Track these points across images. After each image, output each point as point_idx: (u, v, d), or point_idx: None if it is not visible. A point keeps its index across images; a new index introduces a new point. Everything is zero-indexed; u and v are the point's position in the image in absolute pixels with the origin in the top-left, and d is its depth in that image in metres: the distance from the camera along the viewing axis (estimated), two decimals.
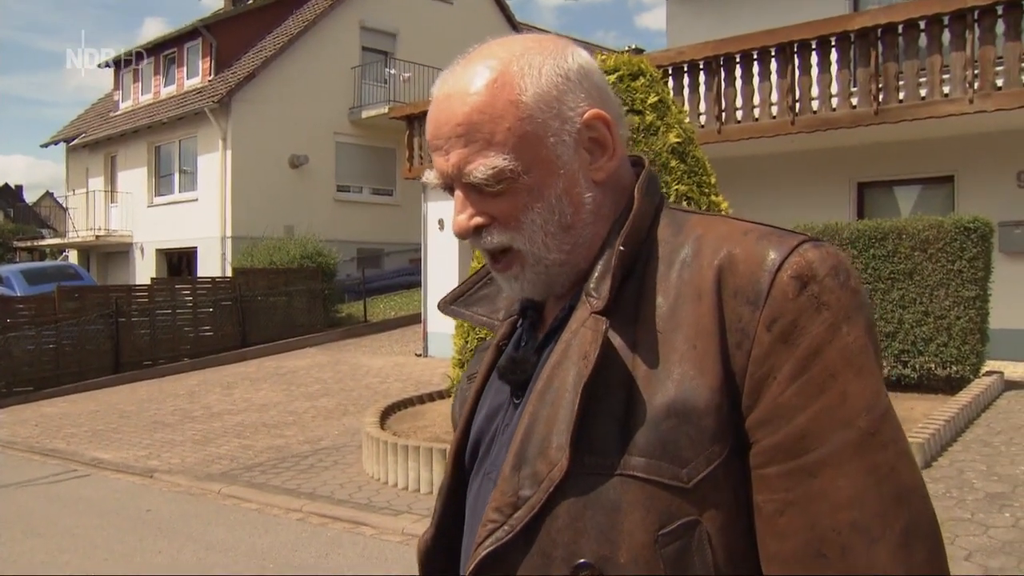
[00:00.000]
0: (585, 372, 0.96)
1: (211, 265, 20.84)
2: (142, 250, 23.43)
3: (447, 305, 1.26)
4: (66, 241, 26.18)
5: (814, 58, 10.03)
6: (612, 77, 6.08)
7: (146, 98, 24.53)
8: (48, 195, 64.96)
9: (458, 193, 1.06)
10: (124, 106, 25.46)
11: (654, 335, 0.97)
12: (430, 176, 1.08)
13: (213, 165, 21.08)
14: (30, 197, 73.41)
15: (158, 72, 24.22)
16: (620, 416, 0.96)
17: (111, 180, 25.08)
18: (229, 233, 20.67)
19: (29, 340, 14.56)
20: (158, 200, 23.39)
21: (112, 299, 15.55)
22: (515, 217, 1.04)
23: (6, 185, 72.63)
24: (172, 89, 23.54)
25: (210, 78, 22.13)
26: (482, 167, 1.00)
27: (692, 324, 0.96)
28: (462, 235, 1.07)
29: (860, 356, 0.92)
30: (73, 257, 26.54)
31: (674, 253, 1.02)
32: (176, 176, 22.98)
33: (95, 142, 25.22)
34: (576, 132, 1.03)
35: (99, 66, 24.96)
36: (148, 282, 17.83)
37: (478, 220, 1.05)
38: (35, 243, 28.94)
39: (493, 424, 1.11)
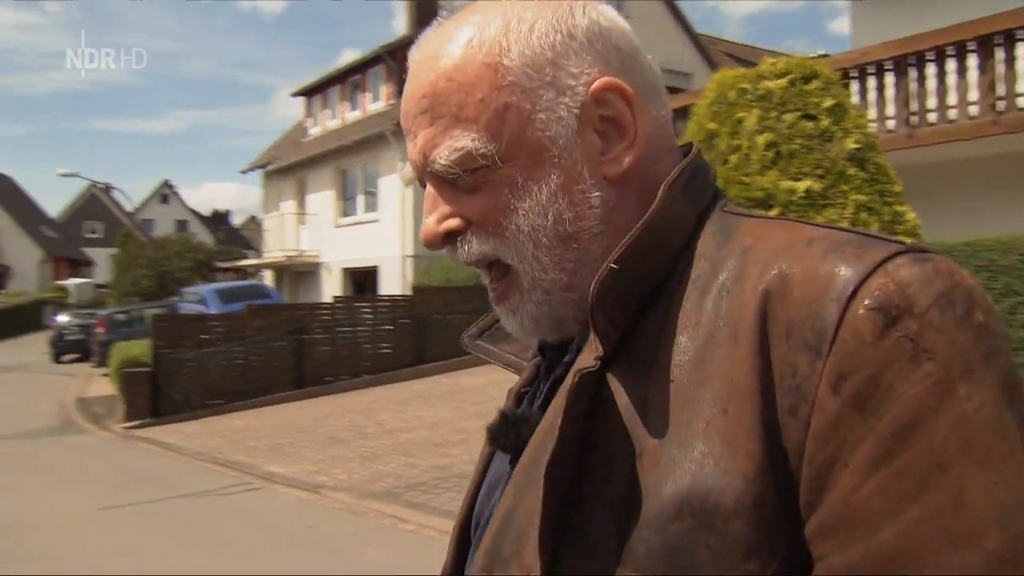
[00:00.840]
0: (550, 449, 0.66)
1: (392, 283, 21.40)
2: (329, 269, 24.45)
3: (472, 340, 0.98)
4: (262, 261, 27.76)
5: (1021, 50, 8.97)
6: (783, 81, 5.59)
7: (333, 124, 25.67)
8: (252, 219, 69.85)
9: (428, 189, 0.78)
10: (313, 132, 26.76)
11: (670, 392, 0.66)
12: (407, 171, 0.81)
13: (393, 186, 21.69)
14: (237, 221, 79.19)
15: (344, 99, 25.30)
16: (619, 507, 0.65)
17: (301, 203, 26.38)
18: (408, 252, 21.18)
19: (221, 356, 15.33)
20: (343, 221, 24.34)
21: (296, 317, 16.18)
22: (494, 220, 0.75)
23: (216, 211, 78.81)
24: (357, 114, 24.50)
25: (392, 102, 22.85)
26: (445, 150, 0.74)
27: (725, 378, 0.64)
28: (430, 243, 0.78)
29: (988, 434, 0.58)
30: (268, 276, 28.10)
31: (713, 274, 0.70)
32: (359, 198, 23.85)
33: (287, 167, 26.62)
34: (579, 107, 0.74)
35: (291, 95, 26.31)
36: (331, 300, 18.47)
37: (450, 224, 0.77)
38: (236, 263, 30.86)
39: (491, 500, 0.82)
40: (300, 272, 26.62)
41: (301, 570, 5.99)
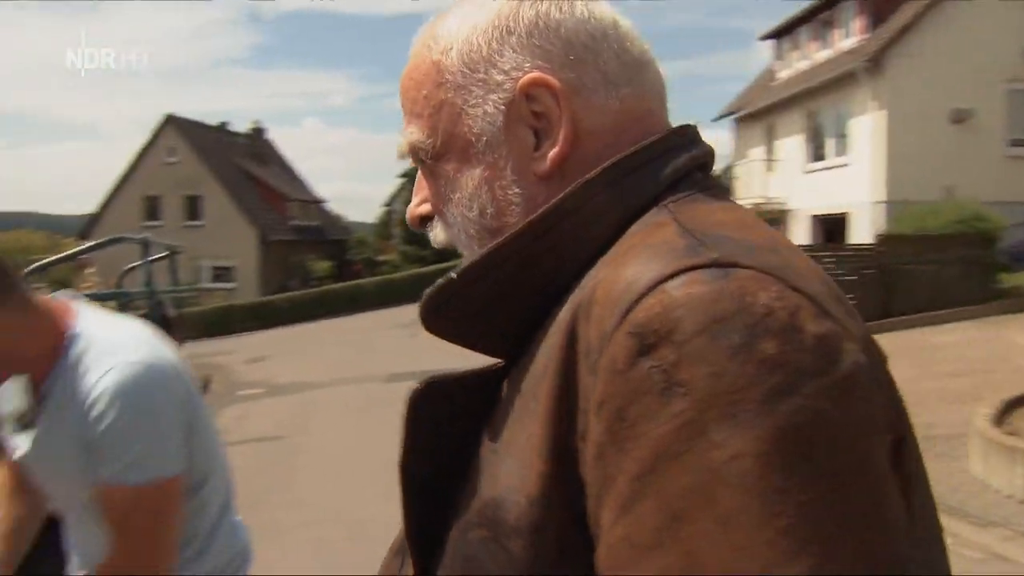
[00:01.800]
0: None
1: (863, 231, 20.17)
2: (797, 217, 23.77)
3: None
4: None
5: None
6: None
7: (802, 65, 24.69)
8: (727, 168, 70.00)
9: (418, 173, 0.85)
10: (782, 75, 26.00)
11: (513, 400, 0.66)
12: None
13: (865, 128, 20.33)
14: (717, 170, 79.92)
15: (814, 38, 24.18)
16: (457, 510, 0.68)
17: (770, 149, 25.89)
18: (880, 198, 19.77)
19: None
20: (812, 167, 23.41)
21: None
22: (440, 209, 0.81)
23: None
24: (827, 53, 23.28)
25: (865, 36, 21.31)
26: (404, 141, 0.80)
27: (542, 395, 0.62)
28: (411, 224, 0.85)
29: (738, 492, 0.50)
30: None
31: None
32: (829, 141, 22.73)
33: (756, 113, 26.26)
34: (507, 104, 0.74)
35: (759, 39, 25.83)
36: None
37: (422, 208, 0.83)
38: None
39: None
40: (767, 220, 25.83)
41: None
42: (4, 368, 1.63)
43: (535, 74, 0.74)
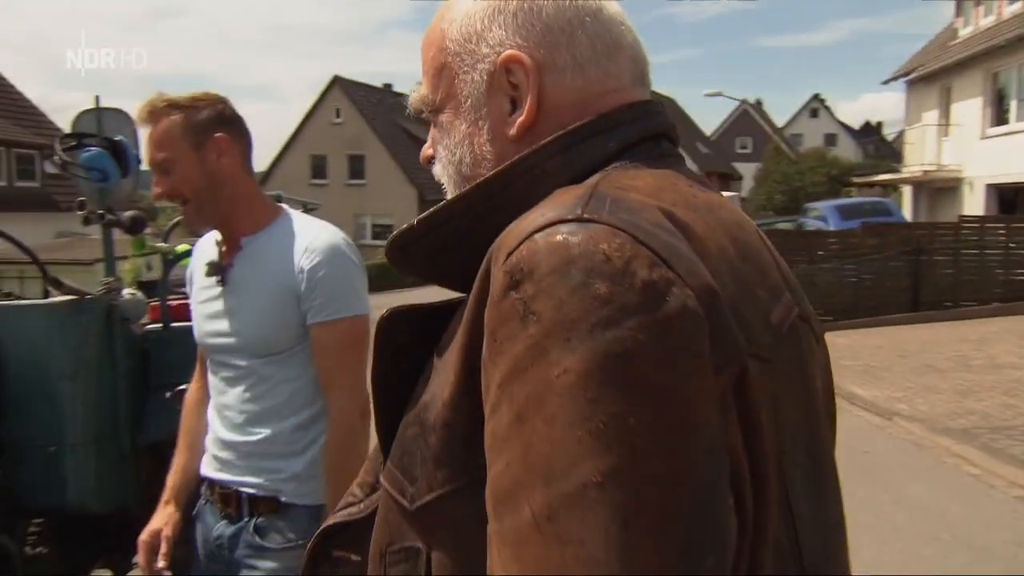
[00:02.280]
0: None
1: None
2: (971, 185, 22.34)
3: None
4: (898, 177, 26.48)
5: None
6: None
7: (987, 22, 23.00)
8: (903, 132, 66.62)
9: None
10: (964, 33, 24.33)
11: (455, 326, 0.79)
12: None
13: None
14: (891, 133, 75.69)
15: None
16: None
17: (945, 113, 24.38)
18: None
19: (832, 272, 15.27)
20: (992, 132, 21.88)
21: (914, 236, 15.30)
22: (436, 153, 0.95)
23: (867, 123, 76.45)
24: (1016, 7, 21.57)
25: None
26: (412, 94, 0.96)
27: (465, 316, 0.75)
28: (423, 163, 1.00)
29: (560, 399, 0.61)
30: (906, 193, 26.73)
31: None
32: (1013, 104, 21.16)
33: (931, 74, 24.73)
34: (490, 74, 0.87)
35: None
36: (955, 220, 16.99)
37: (428, 151, 0.98)
38: (871, 179, 29.94)
39: None
40: (939, 188, 24.78)
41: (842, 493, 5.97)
42: (222, 211, 2.01)
43: (513, 51, 0.86)
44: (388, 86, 45.69)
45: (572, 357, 0.61)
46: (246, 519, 2.00)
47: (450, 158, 0.91)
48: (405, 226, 0.85)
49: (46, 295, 3.16)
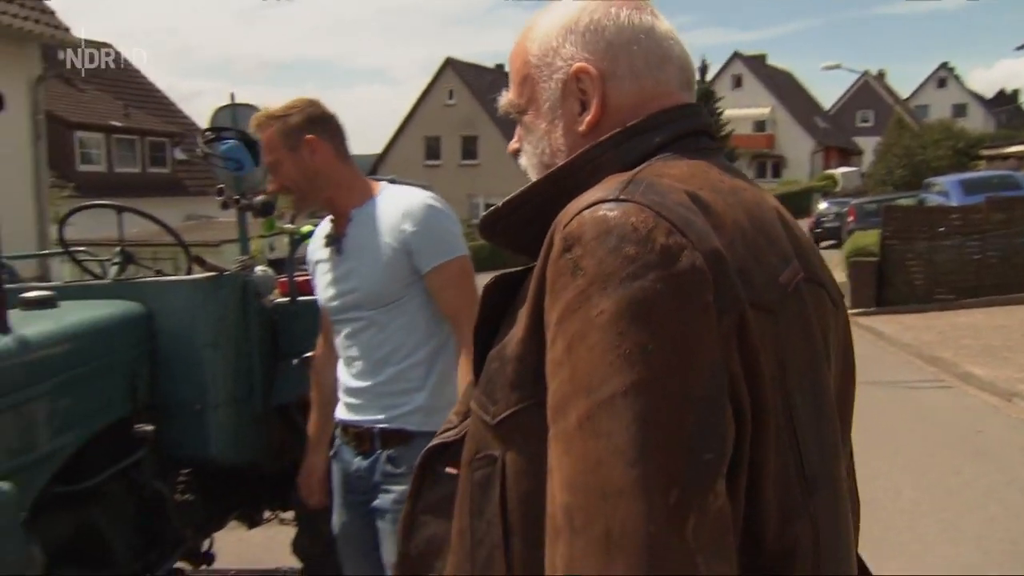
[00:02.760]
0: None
1: None
2: None
3: None
4: None
5: None
6: None
7: None
8: None
9: None
10: None
11: (529, 285, 0.98)
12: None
13: None
14: None
15: None
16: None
17: None
18: None
19: (954, 250, 14.75)
20: None
21: None
22: (521, 147, 1.16)
23: (1002, 91, 72.35)
24: None
25: None
26: (502, 99, 1.17)
27: (535, 276, 0.95)
28: (511, 154, 1.20)
29: (598, 332, 0.82)
30: None
31: None
32: None
33: None
34: (564, 82, 1.08)
35: None
36: None
37: (513, 145, 1.19)
38: (1001, 151, 28.55)
39: None
40: None
41: (948, 471, 5.94)
42: (324, 195, 2.44)
43: (582, 64, 1.06)
44: (500, 66, 45.95)
45: (608, 301, 0.81)
46: (379, 452, 2.38)
47: (533, 151, 1.12)
48: (493, 207, 1.07)
49: (188, 272, 3.53)
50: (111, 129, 24.45)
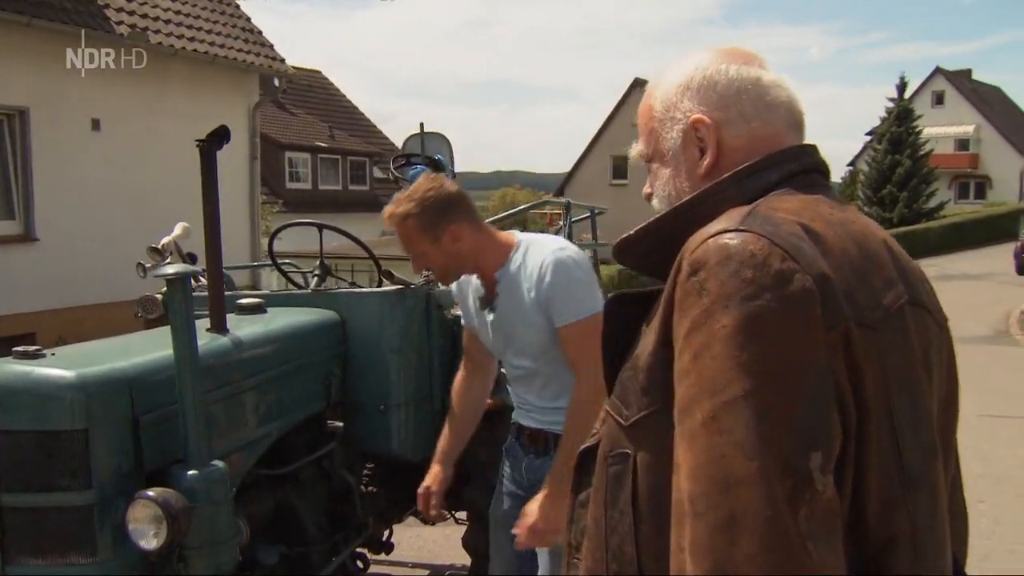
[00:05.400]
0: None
1: None
2: None
3: None
4: None
5: None
6: None
7: None
8: None
9: None
10: None
11: (658, 303, 1.13)
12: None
13: None
14: None
15: None
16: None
17: None
18: None
19: None
20: None
21: None
22: (653, 191, 1.32)
23: None
24: None
25: None
26: (631, 151, 1.34)
27: (665, 295, 1.09)
28: (645, 199, 1.36)
29: (720, 344, 0.96)
30: None
31: None
32: None
33: None
34: (684, 132, 1.24)
35: None
36: None
37: (647, 190, 1.34)
38: None
39: None
40: None
41: None
42: (469, 268, 2.65)
43: (698, 115, 1.22)
44: None
45: (728, 317, 0.94)
46: (552, 451, 2.60)
47: (662, 194, 1.27)
48: (625, 235, 1.23)
49: (379, 284, 3.87)
50: (317, 149, 26.12)
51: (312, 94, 29.18)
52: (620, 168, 40.97)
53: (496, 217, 4.41)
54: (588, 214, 5.41)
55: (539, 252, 2.55)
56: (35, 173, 9.91)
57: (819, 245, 1.03)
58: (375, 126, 31.50)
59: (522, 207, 5.09)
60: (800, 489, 0.90)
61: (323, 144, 26.41)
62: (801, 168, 1.20)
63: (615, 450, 1.14)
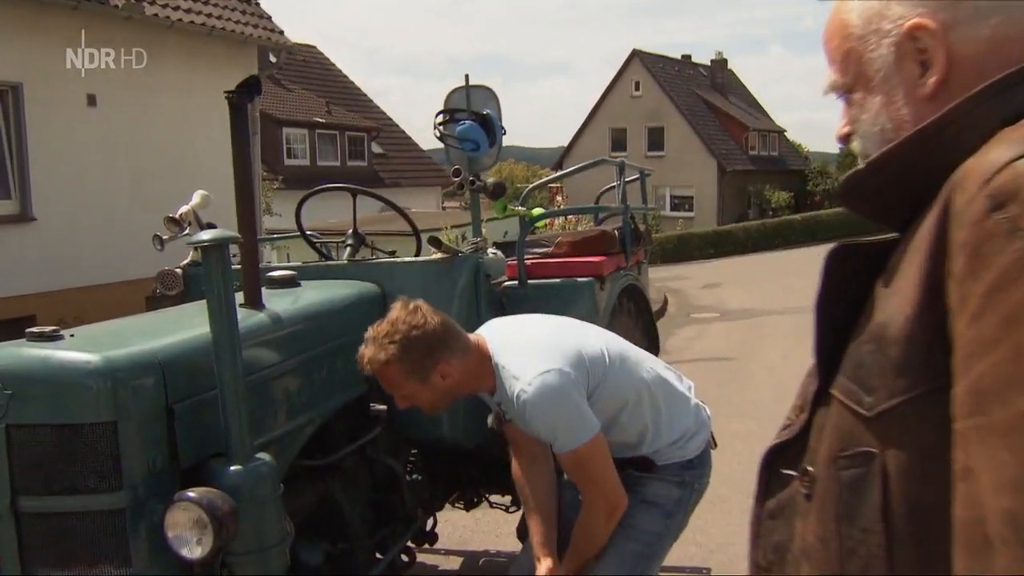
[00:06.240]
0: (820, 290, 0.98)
1: None
2: None
3: None
4: None
5: None
6: None
7: None
8: None
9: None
10: None
11: (902, 255, 0.88)
12: None
13: None
14: None
15: None
16: (856, 333, 0.93)
17: None
18: None
19: None
20: None
21: None
22: (854, 129, 1.04)
23: None
24: None
25: None
26: (824, 82, 1.06)
27: (921, 244, 0.84)
28: (838, 142, 1.10)
29: None
30: None
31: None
32: None
33: None
34: (895, 45, 0.96)
35: None
36: None
37: (844, 129, 1.07)
38: None
39: None
40: None
41: None
42: (463, 396, 2.56)
43: (916, 20, 0.92)
44: (687, 57, 45.19)
45: None
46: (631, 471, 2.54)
47: (871, 129, 1.00)
48: (854, 169, 0.95)
49: (417, 254, 3.56)
50: (315, 125, 25.72)
51: (308, 69, 28.77)
52: (619, 141, 40.75)
53: (541, 181, 4.08)
54: (637, 175, 5.11)
55: (510, 387, 2.38)
56: (31, 151, 9.53)
57: None
58: (372, 101, 31.08)
59: (583, 165, 4.75)
60: None
61: (321, 120, 26.01)
62: None
63: (850, 449, 0.89)
